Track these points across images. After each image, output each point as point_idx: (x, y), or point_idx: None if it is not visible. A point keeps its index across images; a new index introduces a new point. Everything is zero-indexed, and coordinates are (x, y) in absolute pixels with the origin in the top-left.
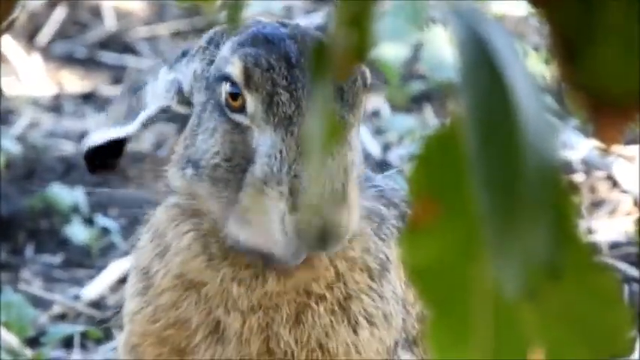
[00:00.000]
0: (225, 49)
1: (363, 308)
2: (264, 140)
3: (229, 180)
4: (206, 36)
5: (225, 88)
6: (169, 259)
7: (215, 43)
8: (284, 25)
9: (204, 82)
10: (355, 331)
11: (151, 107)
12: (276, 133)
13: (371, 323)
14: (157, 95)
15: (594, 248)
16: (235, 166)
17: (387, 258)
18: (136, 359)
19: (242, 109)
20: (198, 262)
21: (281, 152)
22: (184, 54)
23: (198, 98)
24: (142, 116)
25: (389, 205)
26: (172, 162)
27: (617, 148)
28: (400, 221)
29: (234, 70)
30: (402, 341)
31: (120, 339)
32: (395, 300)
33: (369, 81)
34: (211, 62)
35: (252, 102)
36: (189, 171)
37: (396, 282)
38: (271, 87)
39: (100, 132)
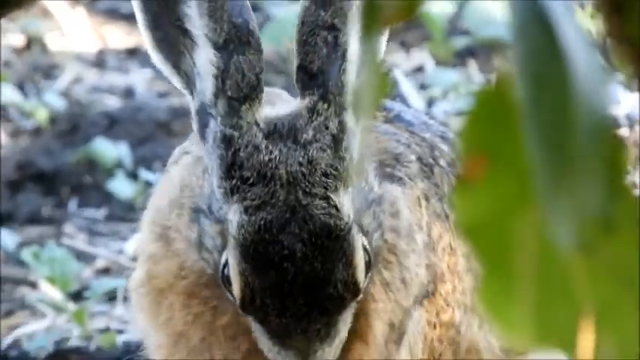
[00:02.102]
0: (233, 223)
1: (381, 277)
2: (258, 331)
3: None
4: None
5: (225, 270)
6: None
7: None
8: (293, 209)
9: (209, 193)
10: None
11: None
12: (269, 341)
13: (388, 289)
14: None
15: None
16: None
17: (408, 213)
18: (159, 305)
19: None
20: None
21: (276, 356)
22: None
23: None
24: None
25: (411, 140)
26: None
27: None
28: (429, 155)
29: (234, 287)
30: (418, 298)
31: (135, 273)
32: (416, 259)
33: (362, 285)
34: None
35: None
36: (196, 231)
37: (418, 236)
38: (263, 319)
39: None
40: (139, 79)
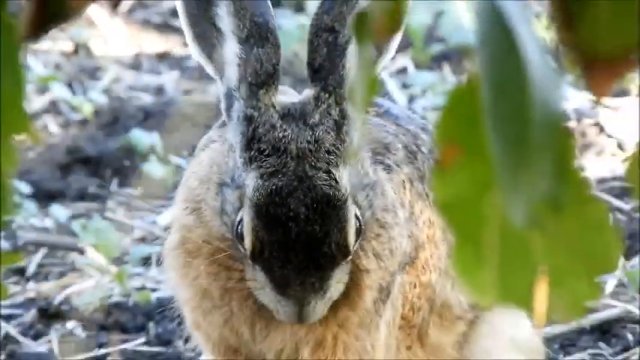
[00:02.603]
0: (249, 187)
1: (373, 248)
2: (263, 281)
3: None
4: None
5: (236, 226)
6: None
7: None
8: (300, 178)
9: (233, 172)
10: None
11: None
12: (273, 291)
13: (378, 258)
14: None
15: (588, 183)
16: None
17: (393, 194)
18: (189, 264)
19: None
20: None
21: (277, 306)
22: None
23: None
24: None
25: (398, 131)
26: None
27: (605, 100)
28: (413, 143)
29: (246, 241)
30: (402, 263)
31: (170, 240)
32: (400, 231)
33: (352, 245)
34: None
35: (253, 265)
36: (219, 200)
37: (401, 212)
38: (268, 269)
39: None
40: (168, 79)
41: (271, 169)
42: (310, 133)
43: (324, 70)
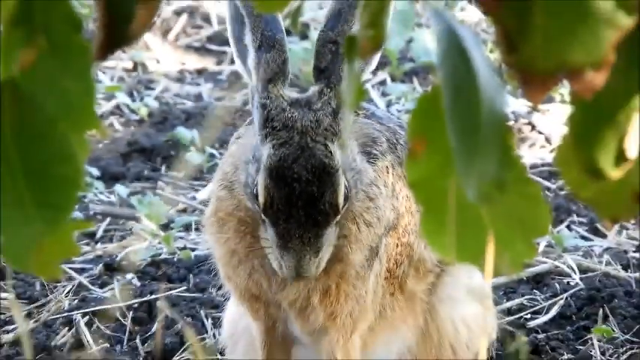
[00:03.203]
0: (264, 155)
1: (364, 218)
2: (271, 235)
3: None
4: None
5: (254, 189)
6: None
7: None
8: (302, 148)
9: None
10: (359, 229)
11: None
12: (279, 249)
13: (369, 225)
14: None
15: (525, 168)
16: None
17: (377, 176)
18: (221, 229)
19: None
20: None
21: (280, 261)
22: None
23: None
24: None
25: (382, 128)
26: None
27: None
28: (394, 137)
29: (259, 198)
30: (386, 229)
31: (207, 210)
32: (384, 203)
33: (341, 206)
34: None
35: (265, 218)
36: (245, 175)
37: (384, 189)
38: (275, 222)
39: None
40: (205, 89)
41: (281, 141)
42: (312, 115)
43: (327, 71)
